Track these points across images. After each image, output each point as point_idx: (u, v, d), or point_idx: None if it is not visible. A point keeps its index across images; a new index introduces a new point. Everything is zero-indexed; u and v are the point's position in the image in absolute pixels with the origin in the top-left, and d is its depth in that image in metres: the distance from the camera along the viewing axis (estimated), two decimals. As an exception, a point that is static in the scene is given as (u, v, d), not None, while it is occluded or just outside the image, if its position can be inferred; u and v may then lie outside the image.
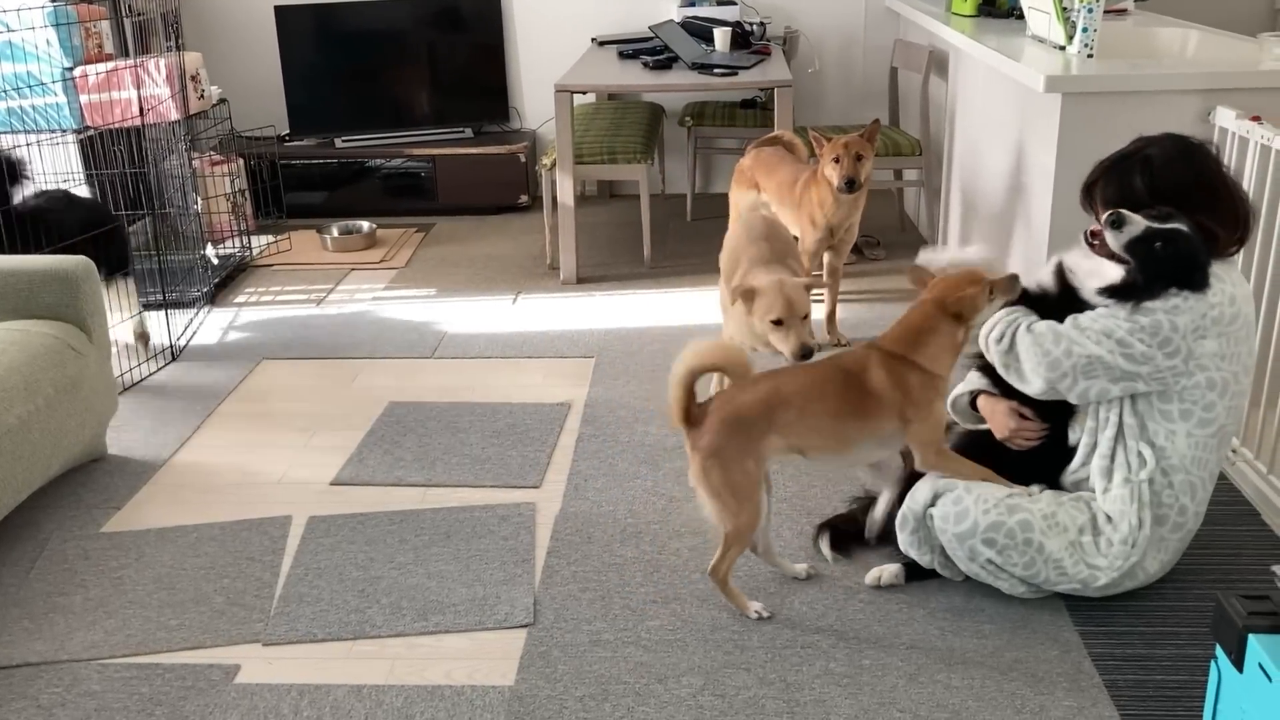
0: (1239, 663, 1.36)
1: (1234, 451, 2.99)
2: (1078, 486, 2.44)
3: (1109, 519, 2.35)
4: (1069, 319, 2.30)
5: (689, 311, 4.26)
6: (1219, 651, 1.41)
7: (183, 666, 2.32)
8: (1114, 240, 2.21)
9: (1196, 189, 2.25)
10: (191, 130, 4.73)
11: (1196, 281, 2.19)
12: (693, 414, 2.32)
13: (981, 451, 2.47)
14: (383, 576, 2.62)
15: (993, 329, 2.38)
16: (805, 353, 2.84)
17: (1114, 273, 2.24)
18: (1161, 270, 2.19)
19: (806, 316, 2.90)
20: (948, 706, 2.15)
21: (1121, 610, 2.41)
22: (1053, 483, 2.46)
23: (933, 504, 2.40)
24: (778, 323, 2.88)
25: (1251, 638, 1.34)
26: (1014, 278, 2.38)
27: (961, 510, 2.35)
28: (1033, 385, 2.33)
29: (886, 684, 2.21)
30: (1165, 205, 2.22)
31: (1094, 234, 2.28)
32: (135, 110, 4.15)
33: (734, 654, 2.32)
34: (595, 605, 2.49)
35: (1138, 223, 2.19)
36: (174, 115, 4.35)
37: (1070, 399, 2.33)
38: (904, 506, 2.46)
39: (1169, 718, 2.10)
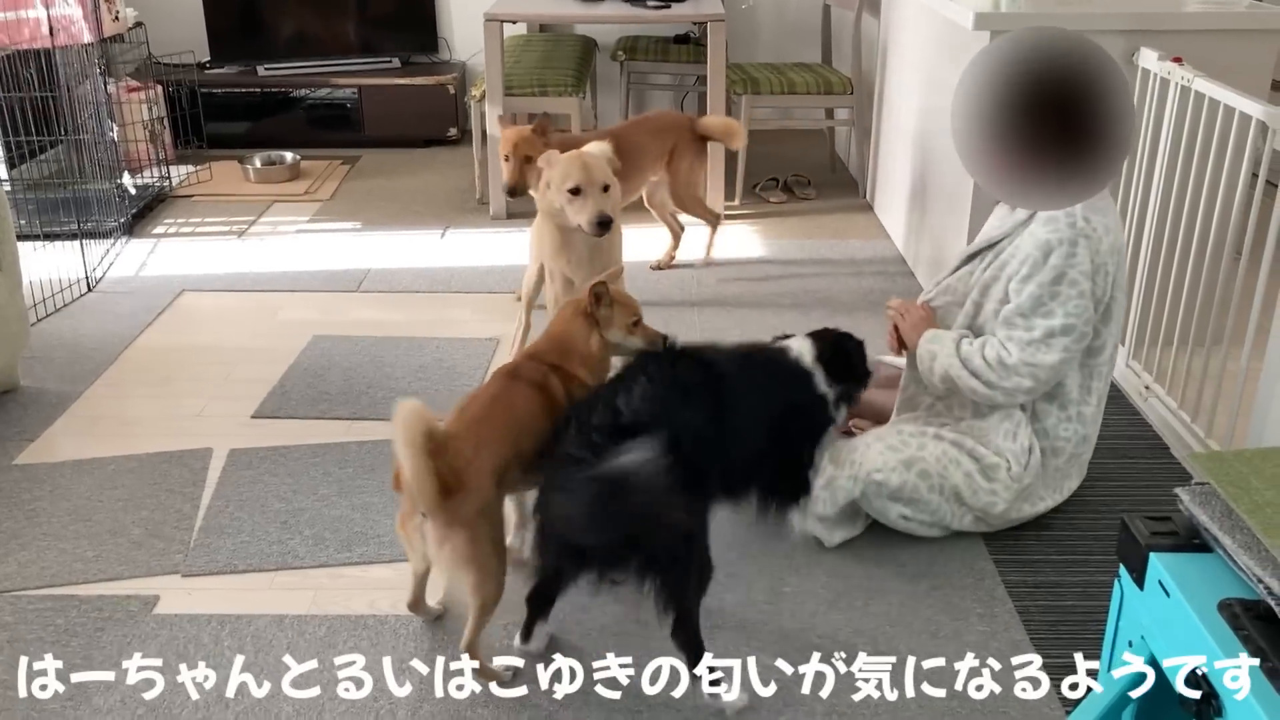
0: (1140, 580, 1.40)
1: (1146, 388, 3.08)
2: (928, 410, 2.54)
3: (994, 452, 2.42)
4: (1004, 340, 2.33)
5: (619, 247, 4.24)
6: (1122, 570, 1.46)
7: (99, 598, 2.28)
8: None
9: None
10: (106, 54, 4.56)
11: None
12: (448, 484, 1.89)
13: None
14: (306, 509, 2.60)
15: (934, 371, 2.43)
16: (603, 220, 2.77)
17: None
18: None
19: (606, 189, 2.83)
20: (865, 632, 2.20)
21: (1035, 540, 2.48)
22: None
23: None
24: (575, 191, 2.78)
25: (1153, 556, 1.38)
26: (664, 337, 2.32)
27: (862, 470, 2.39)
28: (1020, 396, 2.37)
29: (807, 610, 2.25)
30: None
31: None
32: (45, 30, 3.98)
33: (658, 583, 2.34)
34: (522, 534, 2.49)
35: None
36: (87, 37, 4.18)
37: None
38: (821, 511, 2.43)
39: (1076, 639, 2.16)
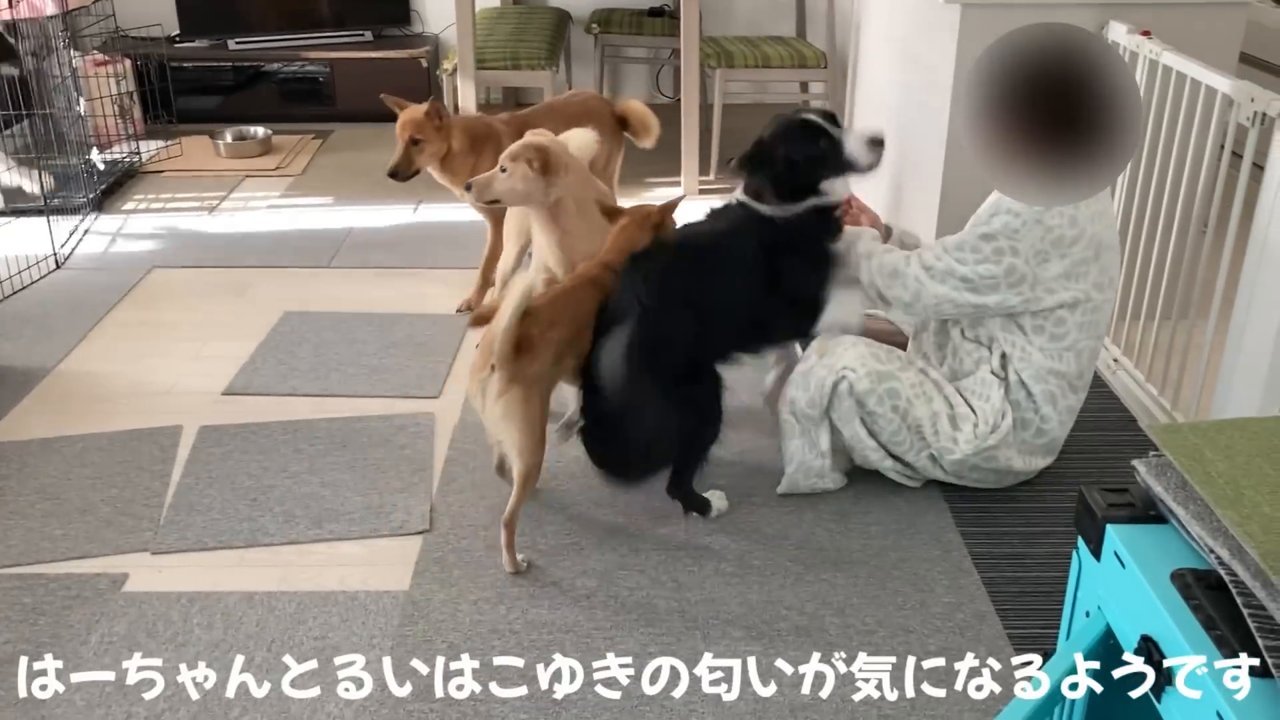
0: (1097, 552, 1.42)
1: (1115, 361, 3.10)
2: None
3: (969, 405, 2.47)
4: (916, 255, 2.42)
5: (593, 222, 4.22)
6: (1080, 542, 1.47)
7: (68, 576, 2.28)
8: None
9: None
10: (71, 27, 4.50)
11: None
12: (520, 345, 2.23)
13: None
14: (276, 485, 2.59)
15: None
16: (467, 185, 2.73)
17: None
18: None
19: (505, 170, 2.72)
20: (832, 603, 2.22)
21: (1002, 511, 2.51)
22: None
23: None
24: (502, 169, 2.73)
25: (1110, 527, 1.40)
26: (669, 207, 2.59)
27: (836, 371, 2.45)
28: (898, 311, 2.54)
29: (774, 582, 2.27)
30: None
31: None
32: (4, 2, 3.93)
33: (628, 556, 2.35)
34: (492, 512, 2.49)
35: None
36: (50, 9, 4.13)
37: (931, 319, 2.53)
38: (799, 404, 2.49)
39: (1041, 610, 2.20)
